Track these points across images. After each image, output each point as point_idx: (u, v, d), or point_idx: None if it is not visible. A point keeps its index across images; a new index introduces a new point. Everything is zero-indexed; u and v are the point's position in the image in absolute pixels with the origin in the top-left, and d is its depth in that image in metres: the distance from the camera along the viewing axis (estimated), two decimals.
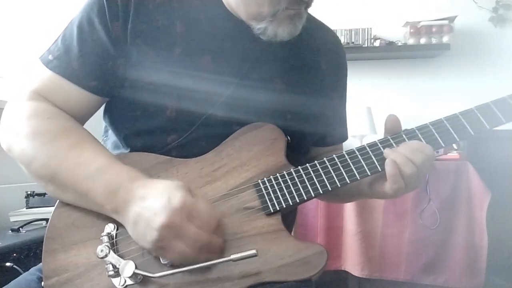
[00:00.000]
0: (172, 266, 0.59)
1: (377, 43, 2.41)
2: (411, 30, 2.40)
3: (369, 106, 2.27)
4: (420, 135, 0.67)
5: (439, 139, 0.67)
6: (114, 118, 0.76)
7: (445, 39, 2.38)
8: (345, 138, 0.70)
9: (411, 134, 0.68)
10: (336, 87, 0.86)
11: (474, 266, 1.78)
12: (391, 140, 0.68)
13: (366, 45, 2.42)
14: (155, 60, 0.68)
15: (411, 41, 2.41)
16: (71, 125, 0.67)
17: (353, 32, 2.42)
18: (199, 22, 0.72)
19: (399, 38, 2.47)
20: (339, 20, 2.47)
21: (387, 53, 2.44)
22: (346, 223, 1.91)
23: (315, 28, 0.84)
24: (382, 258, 1.87)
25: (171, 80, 0.68)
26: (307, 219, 1.94)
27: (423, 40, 2.40)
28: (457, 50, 2.39)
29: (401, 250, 1.86)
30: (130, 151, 0.73)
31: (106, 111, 0.78)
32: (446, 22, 2.37)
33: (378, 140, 0.68)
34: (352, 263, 1.88)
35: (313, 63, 0.80)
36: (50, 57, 0.69)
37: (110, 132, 0.79)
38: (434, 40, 2.39)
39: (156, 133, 0.70)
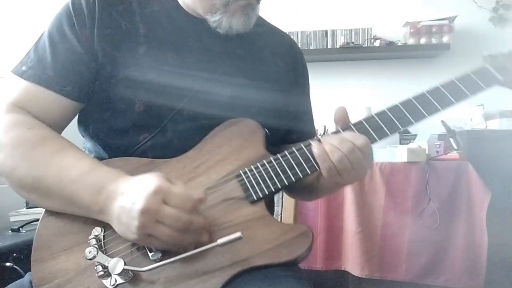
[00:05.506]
0: (161, 260, 0.60)
1: (377, 43, 2.41)
2: (411, 30, 2.40)
3: (369, 106, 2.27)
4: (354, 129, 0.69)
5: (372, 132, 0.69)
6: (87, 124, 0.77)
7: (445, 39, 2.38)
8: (313, 134, 0.72)
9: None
10: (296, 84, 0.89)
11: (474, 266, 1.78)
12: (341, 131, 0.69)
13: (366, 45, 2.42)
14: (120, 60, 0.71)
15: (411, 41, 2.41)
16: (51, 134, 0.68)
17: (353, 32, 2.43)
18: (161, 23, 0.75)
19: (399, 38, 2.47)
20: (339, 20, 2.47)
21: (387, 53, 2.45)
22: (346, 223, 1.90)
23: (270, 32, 0.89)
24: (382, 258, 1.86)
25: (137, 77, 0.71)
26: (307, 219, 1.93)
27: (423, 40, 2.40)
28: (457, 50, 2.38)
29: (401, 250, 1.86)
30: (105, 150, 0.74)
31: (79, 120, 0.78)
32: (446, 22, 2.37)
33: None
34: (352, 263, 1.87)
35: (270, 62, 0.84)
36: (24, 68, 0.70)
37: (85, 139, 0.80)
38: (434, 40, 2.39)
39: (127, 132, 0.72)
